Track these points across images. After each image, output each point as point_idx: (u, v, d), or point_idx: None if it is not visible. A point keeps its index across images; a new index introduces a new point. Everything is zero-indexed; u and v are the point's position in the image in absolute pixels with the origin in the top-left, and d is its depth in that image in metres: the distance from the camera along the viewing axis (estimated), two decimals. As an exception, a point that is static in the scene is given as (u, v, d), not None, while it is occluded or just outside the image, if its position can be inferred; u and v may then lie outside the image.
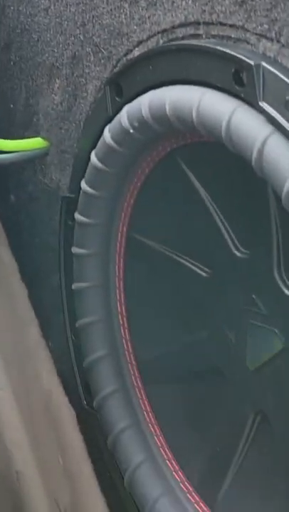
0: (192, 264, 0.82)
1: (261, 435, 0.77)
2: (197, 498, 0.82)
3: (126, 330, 0.90)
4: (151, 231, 0.86)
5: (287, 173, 0.61)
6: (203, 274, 0.81)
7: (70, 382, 0.97)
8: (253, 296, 0.75)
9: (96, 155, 0.84)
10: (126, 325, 0.91)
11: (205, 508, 0.81)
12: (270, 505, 0.75)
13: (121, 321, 0.91)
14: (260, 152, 0.62)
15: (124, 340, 0.90)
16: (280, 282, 0.72)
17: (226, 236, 0.77)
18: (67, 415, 1.02)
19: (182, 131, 0.74)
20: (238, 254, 0.76)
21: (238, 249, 0.76)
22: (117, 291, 0.91)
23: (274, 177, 0.62)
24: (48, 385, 1.03)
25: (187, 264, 0.82)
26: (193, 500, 0.82)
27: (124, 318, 0.91)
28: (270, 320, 0.73)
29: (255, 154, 0.63)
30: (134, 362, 0.90)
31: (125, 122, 0.78)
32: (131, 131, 0.78)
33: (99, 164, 0.84)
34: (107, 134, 0.82)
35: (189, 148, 0.78)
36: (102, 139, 0.83)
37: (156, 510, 0.83)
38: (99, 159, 0.84)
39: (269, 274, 0.72)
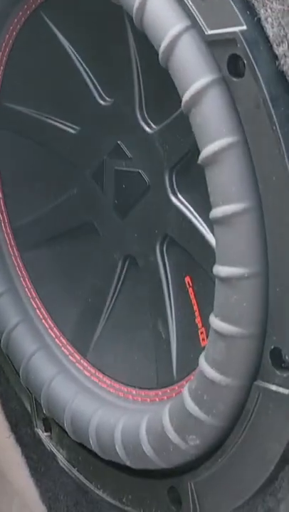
0: (61, 123, 0.80)
1: (129, 280, 0.76)
2: (71, 350, 0.81)
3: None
4: (20, 96, 0.83)
5: None
6: (72, 131, 0.79)
7: None
8: (118, 142, 0.73)
9: None
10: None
11: (78, 357, 0.80)
12: (137, 347, 0.75)
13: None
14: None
15: (-1, 211, 0.88)
16: (142, 122, 0.71)
17: (92, 87, 0.75)
18: None
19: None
20: (102, 103, 0.75)
21: (102, 98, 0.75)
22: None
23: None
24: None
25: (56, 124, 0.80)
26: (67, 353, 0.81)
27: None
28: (134, 162, 0.72)
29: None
30: (9, 230, 0.87)
31: (-12, -23, 0.76)
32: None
33: None
34: None
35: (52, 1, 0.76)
36: None
37: (31, 364, 0.81)
38: None
39: (132, 117, 0.71)
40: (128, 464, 0.69)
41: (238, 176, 0.55)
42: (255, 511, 0.61)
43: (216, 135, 0.56)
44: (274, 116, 0.52)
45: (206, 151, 0.56)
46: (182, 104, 0.58)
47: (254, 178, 0.55)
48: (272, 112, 0.52)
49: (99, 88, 0.75)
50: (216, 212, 0.56)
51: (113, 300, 0.77)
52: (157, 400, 0.71)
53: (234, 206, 0.55)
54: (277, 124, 0.52)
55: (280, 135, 0.52)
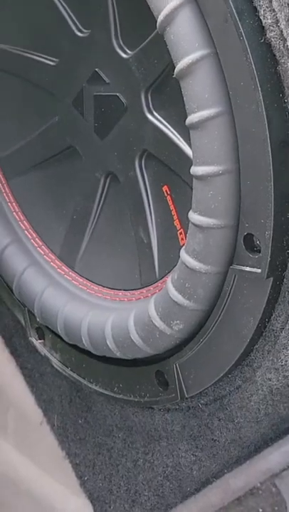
0: (40, 56, 0.84)
1: (111, 195, 0.82)
2: (59, 264, 0.87)
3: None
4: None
5: None
6: (51, 63, 0.83)
7: None
8: (96, 69, 0.78)
9: None
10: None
11: (66, 269, 0.86)
12: (121, 254, 0.81)
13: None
14: None
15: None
16: (118, 49, 0.75)
17: (68, 20, 0.80)
18: None
19: None
20: (80, 34, 0.79)
21: (79, 30, 0.79)
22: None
23: None
24: None
25: (35, 57, 0.84)
26: (56, 266, 0.87)
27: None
28: (112, 86, 0.77)
29: None
30: (-5, 160, 0.92)
31: None
32: None
33: None
34: None
35: None
36: None
37: (24, 279, 0.86)
38: None
39: (109, 45, 0.76)
40: (118, 355, 0.75)
41: (210, 84, 0.61)
42: (234, 382, 0.68)
43: (190, 49, 0.61)
44: (241, 28, 0.58)
45: (181, 64, 0.62)
46: (157, 24, 0.63)
47: (225, 86, 0.60)
48: (239, 24, 0.58)
49: (76, 21, 0.80)
50: (192, 118, 0.62)
51: (97, 215, 0.83)
52: (142, 297, 0.77)
53: (208, 111, 0.61)
54: (244, 34, 0.58)
55: (246, 44, 0.58)
